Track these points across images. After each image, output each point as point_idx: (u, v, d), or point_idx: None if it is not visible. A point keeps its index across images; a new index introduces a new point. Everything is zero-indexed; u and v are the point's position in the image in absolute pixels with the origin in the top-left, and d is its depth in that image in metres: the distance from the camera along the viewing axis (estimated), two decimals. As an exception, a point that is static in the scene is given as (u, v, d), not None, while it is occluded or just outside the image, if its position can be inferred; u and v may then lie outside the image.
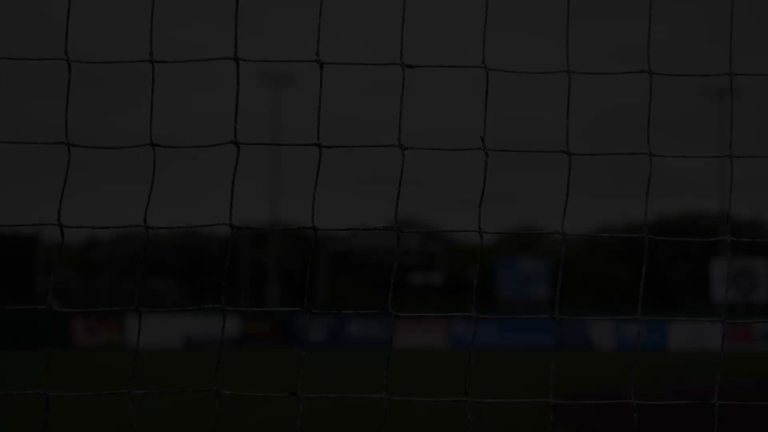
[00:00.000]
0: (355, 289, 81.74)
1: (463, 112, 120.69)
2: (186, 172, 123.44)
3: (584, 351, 47.24)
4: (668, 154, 2.19)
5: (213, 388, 2.50)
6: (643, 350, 48.34)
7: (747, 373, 29.15)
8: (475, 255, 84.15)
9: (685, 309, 69.30)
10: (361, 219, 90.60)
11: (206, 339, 47.18)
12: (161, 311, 2.27)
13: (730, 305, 59.38)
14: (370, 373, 28.19)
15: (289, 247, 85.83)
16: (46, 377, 2.52)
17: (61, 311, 2.43)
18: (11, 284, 50.70)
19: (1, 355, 37.10)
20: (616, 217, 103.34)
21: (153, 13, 2.67)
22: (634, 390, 2.36)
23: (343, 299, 61.76)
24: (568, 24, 2.38)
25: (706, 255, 76.17)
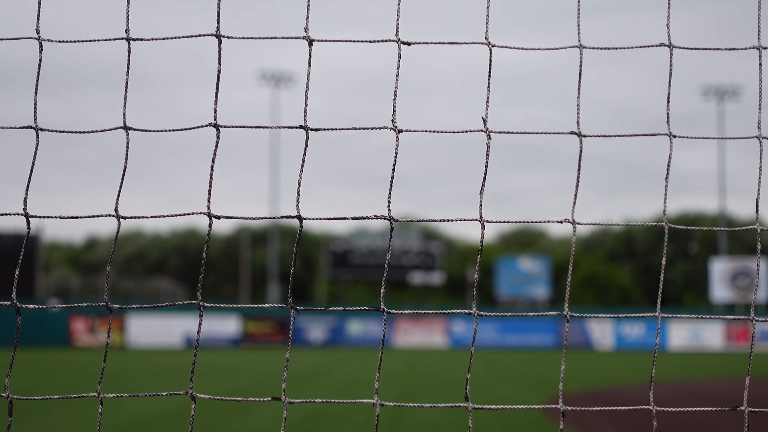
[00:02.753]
0: (356, 289, 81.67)
1: (466, 115, 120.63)
2: (187, 175, 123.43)
3: (584, 351, 47.16)
4: (689, 136, 2.01)
5: (189, 393, 2.31)
6: (642, 350, 48.24)
7: (747, 372, 28.98)
8: (474, 255, 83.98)
9: (684, 308, 69.18)
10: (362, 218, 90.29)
11: (207, 338, 47.01)
12: (133, 308, 2.09)
13: (729, 305, 59.20)
14: (370, 373, 28.10)
15: (289, 248, 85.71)
16: (9, 379, 2.34)
17: (24, 307, 2.26)
18: (11, 282, 50.58)
19: (1, 353, 36.98)
20: (615, 218, 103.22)
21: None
22: (653, 396, 2.19)
23: (344, 299, 61.61)
24: (579, 2, 2.20)
25: (705, 255, 76.05)
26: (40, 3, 2.37)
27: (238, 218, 2.19)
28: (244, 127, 2.21)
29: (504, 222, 2.05)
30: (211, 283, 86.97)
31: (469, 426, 2.15)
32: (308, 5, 2.28)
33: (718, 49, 2.18)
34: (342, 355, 40.29)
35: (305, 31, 2.25)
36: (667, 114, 1.99)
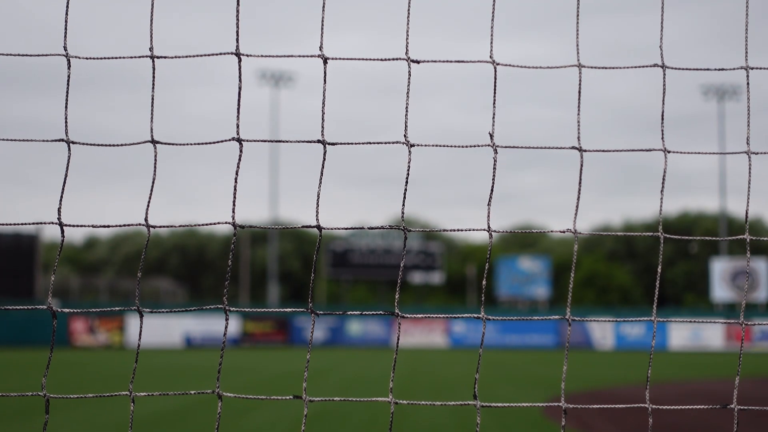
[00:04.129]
0: (355, 289, 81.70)
1: (468, 114, 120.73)
2: (187, 174, 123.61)
3: (584, 350, 47.25)
4: (684, 151, 2.13)
5: (216, 392, 2.44)
6: (642, 349, 48.35)
7: (747, 372, 29.13)
8: (474, 254, 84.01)
9: (685, 308, 69.27)
10: (362, 218, 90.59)
11: (207, 338, 47.10)
12: (163, 311, 2.22)
13: (729, 305, 59.30)
14: (371, 372, 28.18)
15: (289, 247, 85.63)
16: (47, 379, 2.47)
17: (60, 311, 2.38)
18: (11, 282, 50.39)
19: (2, 353, 37.07)
20: (615, 218, 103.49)
21: (153, 8, 2.62)
22: (649, 394, 2.31)
23: (343, 298, 61.69)
24: (578, 17, 2.33)
25: (706, 255, 76.11)
26: (66, 21, 2.50)
27: (262, 228, 2.32)
28: (264, 141, 2.33)
29: (511, 232, 2.18)
30: (211, 283, 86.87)
31: (477, 422, 2.28)
32: (322, 25, 2.41)
33: (708, 69, 2.32)
34: (342, 354, 40.39)
35: (320, 49, 2.38)
36: (662, 131, 2.12)
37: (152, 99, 2.45)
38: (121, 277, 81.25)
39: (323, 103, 2.35)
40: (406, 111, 2.25)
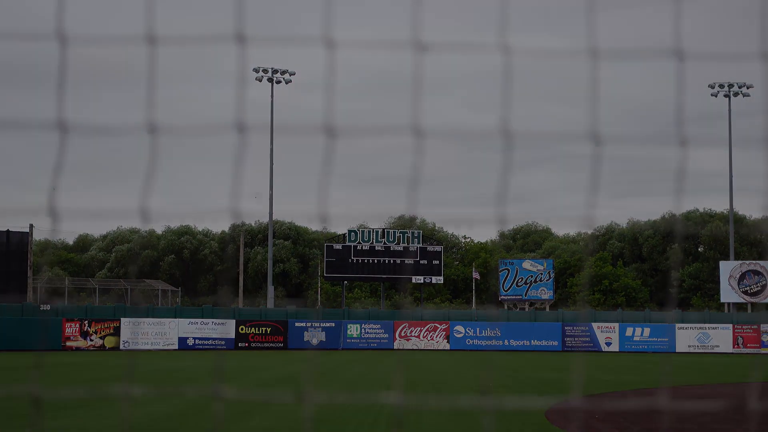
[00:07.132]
0: (354, 289, 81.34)
1: (476, 112, 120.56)
2: (178, 169, 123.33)
3: (590, 353, 46.98)
4: (698, 143, 1.99)
5: (213, 390, 2.31)
6: (648, 352, 48.09)
7: (753, 377, 28.92)
8: (477, 254, 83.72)
9: (693, 310, 69.00)
10: (362, 217, 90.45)
11: (203, 340, 46.65)
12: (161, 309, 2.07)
13: (737, 306, 59.04)
14: (369, 374, 27.93)
15: (288, 245, 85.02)
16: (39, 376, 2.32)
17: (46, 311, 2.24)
18: (4, 280, 49.54)
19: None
20: (622, 219, 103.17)
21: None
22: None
23: (341, 299, 61.46)
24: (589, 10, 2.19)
25: (714, 257, 75.90)
26: (60, 8, 2.36)
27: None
28: (267, 129, 2.19)
29: (506, 238, 2.04)
30: (209, 283, 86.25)
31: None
32: (326, 15, 2.27)
33: (723, 56, 2.15)
34: (341, 357, 40.17)
35: (324, 37, 2.23)
36: (680, 122, 1.97)
37: (149, 87, 2.32)
38: (116, 277, 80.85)
39: (329, 92, 2.21)
40: (413, 101, 2.10)
